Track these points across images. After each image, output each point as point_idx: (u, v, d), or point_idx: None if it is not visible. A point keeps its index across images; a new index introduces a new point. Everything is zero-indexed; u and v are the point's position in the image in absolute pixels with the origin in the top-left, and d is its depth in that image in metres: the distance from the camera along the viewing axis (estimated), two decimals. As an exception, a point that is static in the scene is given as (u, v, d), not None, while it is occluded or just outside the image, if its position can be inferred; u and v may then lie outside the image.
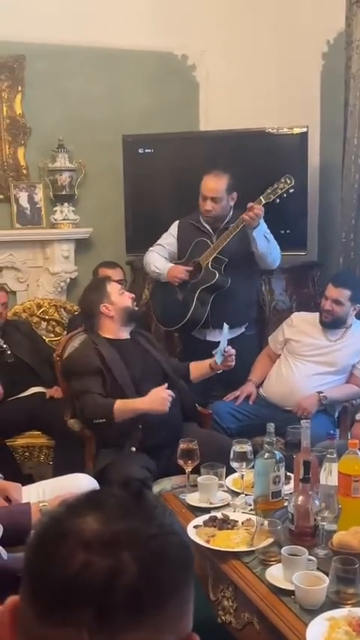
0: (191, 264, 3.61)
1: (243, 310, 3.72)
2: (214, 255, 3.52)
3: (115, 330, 3.08)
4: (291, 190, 3.50)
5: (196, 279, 3.59)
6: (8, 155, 4.32)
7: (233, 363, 3.09)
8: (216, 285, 3.54)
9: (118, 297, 3.09)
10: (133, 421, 2.81)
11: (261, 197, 3.43)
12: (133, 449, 2.83)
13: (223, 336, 3.09)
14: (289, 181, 3.44)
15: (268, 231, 3.54)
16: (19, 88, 4.27)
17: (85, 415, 2.90)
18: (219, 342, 3.60)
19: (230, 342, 3.62)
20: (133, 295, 3.22)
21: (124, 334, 3.10)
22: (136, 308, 3.20)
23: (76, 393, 2.96)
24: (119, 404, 2.80)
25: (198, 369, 3.17)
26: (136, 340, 3.13)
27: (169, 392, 2.79)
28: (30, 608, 0.66)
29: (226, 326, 3.11)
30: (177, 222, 3.75)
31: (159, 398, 2.76)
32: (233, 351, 3.07)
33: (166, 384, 2.83)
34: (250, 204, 3.39)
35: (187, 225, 3.69)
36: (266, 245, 3.52)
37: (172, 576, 0.68)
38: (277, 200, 3.47)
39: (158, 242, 3.76)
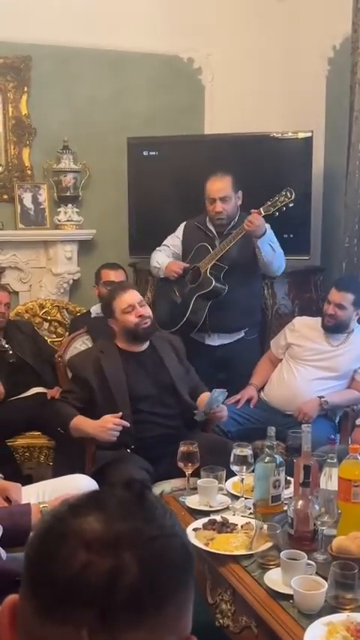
0: (190, 268, 3.62)
1: (241, 316, 3.68)
2: (213, 262, 3.51)
3: (124, 343, 3.00)
4: (290, 205, 3.42)
5: (195, 284, 3.58)
6: (13, 155, 4.34)
7: (222, 419, 3.02)
8: (212, 293, 3.52)
9: (122, 316, 2.93)
10: (125, 434, 2.82)
11: (261, 209, 3.39)
12: (129, 450, 2.84)
13: (210, 398, 2.89)
14: (289, 195, 3.38)
15: (275, 239, 3.52)
16: (25, 89, 4.28)
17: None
18: (218, 345, 3.62)
19: (228, 346, 3.63)
20: (143, 313, 2.95)
21: (137, 347, 3.01)
22: (145, 325, 2.95)
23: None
24: (76, 420, 2.83)
25: (201, 401, 3.05)
26: (155, 349, 3.04)
27: (118, 422, 2.73)
28: (30, 607, 0.66)
29: (216, 391, 2.89)
30: (183, 223, 3.75)
31: (103, 428, 2.74)
32: (224, 414, 2.98)
33: (120, 413, 2.77)
34: (253, 210, 3.38)
35: (193, 227, 3.69)
36: (271, 254, 3.50)
37: (173, 577, 0.68)
38: (277, 214, 3.41)
39: (164, 242, 3.79)
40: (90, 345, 3.33)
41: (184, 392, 3.02)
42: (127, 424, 2.76)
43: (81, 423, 2.83)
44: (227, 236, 3.53)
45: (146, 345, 3.03)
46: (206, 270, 3.53)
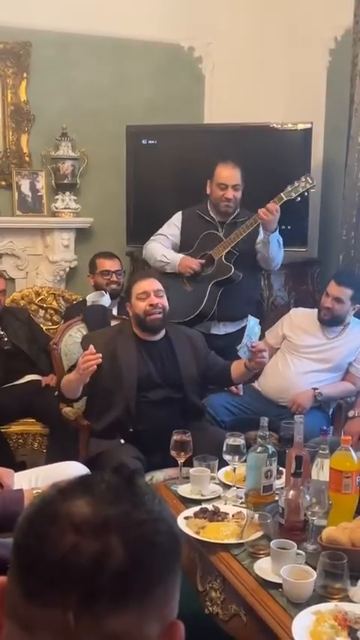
0: (202, 257, 3.56)
1: (246, 305, 3.71)
2: (229, 249, 3.50)
3: (138, 330, 2.95)
4: (312, 190, 3.51)
5: (207, 272, 3.54)
6: (11, 142, 4.31)
7: (266, 360, 2.94)
8: (229, 279, 3.51)
9: (135, 301, 2.89)
10: (124, 417, 2.84)
11: (282, 194, 3.42)
12: (122, 441, 2.84)
13: (247, 329, 2.92)
14: (310, 180, 3.45)
15: (280, 236, 3.54)
16: (24, 75, 4.25)
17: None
18: (223, 334, 3.62)
19: (231, 335, 3.64)
20: (155, 302, 2.86)
21: (150, 337, 2.95)
22: (157, 316, 2.88)
23: None
24: (64, 378, 2.90)
25: (235, 368, 3.04)
26: (170, 342, 2.98)
27: (92, 354, 2.69)
28: (17, 589, 0.67)
29: (252, 319, 2.95)
30: (180, 212, 3.71)
31: (81, 365, 2.72)
32: (262, 347, 2.90)
33: (92, 349, 2.71)
34: (260, 210, 3.40)
35: (194, 216, 3.65)
36: (277, 250, 3.53)
37: (160, 562, 0.69)
38: (298, 198, 3.46)
39: (160, 232, 3.71)
40: (85, 334, 3.33)
41: (192, 391, 2.98)
42: (99, 355, 2.71)
43: (66, 377, 2.88)
44: (231, 225, 3.53)
45: (161, 335, 2.97)
46: (221, 256, 3.51)
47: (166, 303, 2.93)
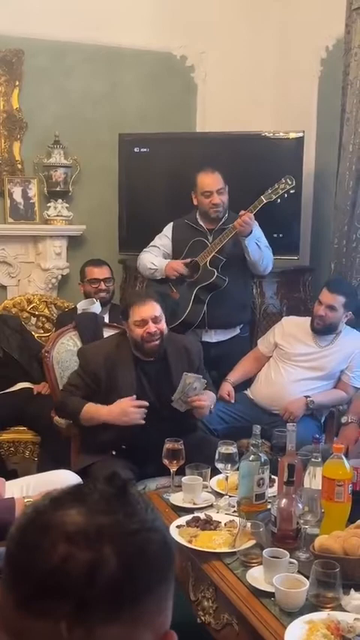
0: (188, 263, 3.59)
1: (238, 311, 3.72)
2: (212, 254, 3.52)
3: (136, 352, 2.90)
4: (292, 191, 3.55)
5: (193, 278, 3.57)
6: (3, 149, 4.31)
7: (204, 411, 2.89)
8: (214, 284, 3.53)
9: (132, 326, 2.84)
10: (117, 437, 2.82)
11: (262, 197, 3.46)
12: (114, 452, 2.83)
13: (181, 383, 2.83)
14: (290, 182, 3.48)
15: (263, 238, 3.56)
16: (17, 83, 4.26)
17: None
18: (215, 342, 3.62)
19: (224, 343, 3.64)
20: (152, 330, 2.81)
21: (147, 358, 2.90)
22: (154, 343, 2.83)
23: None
24: (87, 409, 2.82)
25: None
26: (166, 358, 2.92)
27: (136, 403, 2.76)
28: (9, 599, 0.66)
29: (189, 376, 2.84)
30: (171, 223, 3.74)
31: (122, 411, 2.76)
32: (203, 404, 2.86)
33: (134, 396, 2.78)
34: (242, 212, 3.41)
35: (183, 225, 3.68)
36: (258, 253, 3.54)
37: (152, 572, 0.68)
38: (278, 200, 3.50)
39: (152, 244, 3.74)
40: (77, 341, 3.32)
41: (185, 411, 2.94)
42: (147, 403, 2.77)
43: (93, 410, 2.82)
44: (219, 232, 3.55)
45: (155, 356, 2.91)
46: (206, 262, 3.53)
47: (165, 327, 2.89)
